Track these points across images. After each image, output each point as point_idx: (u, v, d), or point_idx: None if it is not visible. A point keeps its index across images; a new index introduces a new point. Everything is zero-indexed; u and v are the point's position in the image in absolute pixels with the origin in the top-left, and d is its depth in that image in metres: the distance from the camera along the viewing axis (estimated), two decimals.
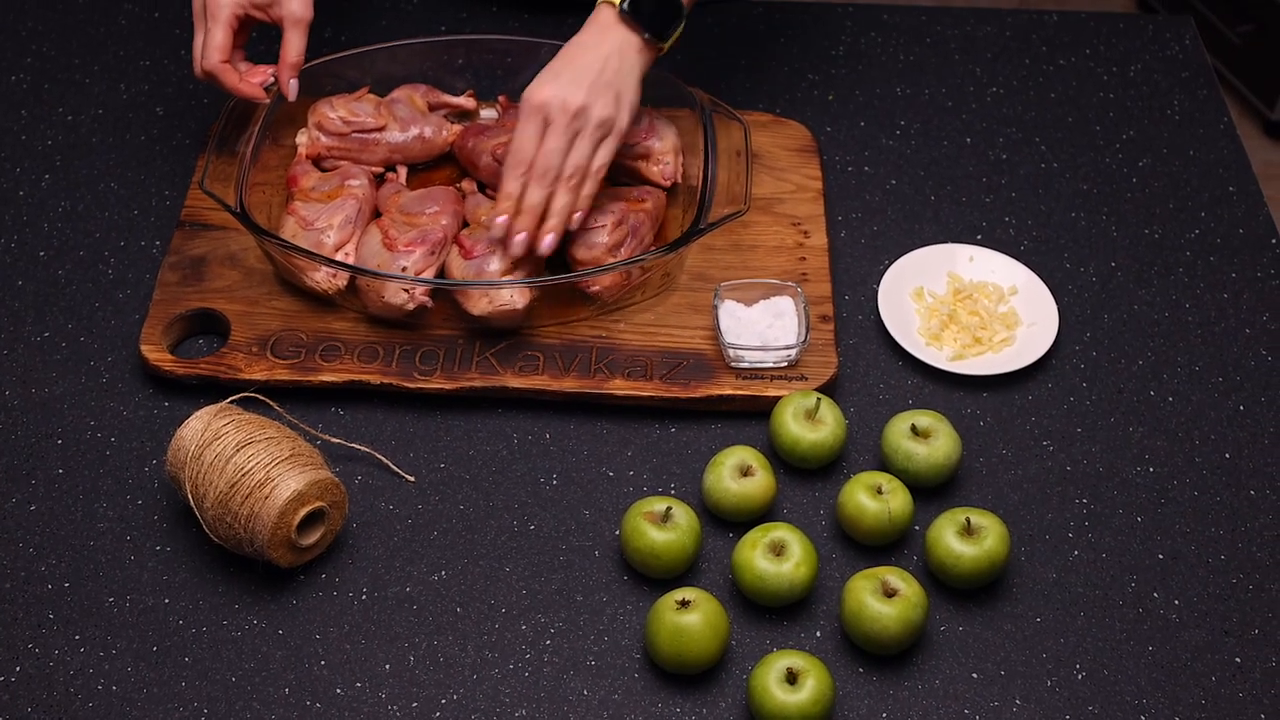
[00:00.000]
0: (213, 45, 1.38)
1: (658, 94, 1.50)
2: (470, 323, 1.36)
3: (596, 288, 1.36)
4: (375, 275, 1.33)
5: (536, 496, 1.29)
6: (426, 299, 1.34)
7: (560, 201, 1.33)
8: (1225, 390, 1.39)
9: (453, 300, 1.35)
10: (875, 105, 1.66)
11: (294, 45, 1.40)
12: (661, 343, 1.37)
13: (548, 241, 1.33)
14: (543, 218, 1.33)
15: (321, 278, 1.35)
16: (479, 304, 1.33)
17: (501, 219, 1.33)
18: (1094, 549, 1.27)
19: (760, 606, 1.22)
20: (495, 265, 1.34)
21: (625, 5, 1.34)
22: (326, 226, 1.38)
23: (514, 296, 1.33)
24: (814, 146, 1.56)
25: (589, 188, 1.34)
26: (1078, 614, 1.23)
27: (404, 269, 1.35)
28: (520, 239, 1.33)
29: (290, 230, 1.39)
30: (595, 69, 1.32)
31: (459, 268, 1.36)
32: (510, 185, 1.33)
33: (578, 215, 1.35)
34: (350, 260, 1.38)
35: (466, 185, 1.49)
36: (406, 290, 1.33)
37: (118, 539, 1.25)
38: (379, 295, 1.34)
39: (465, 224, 1.42)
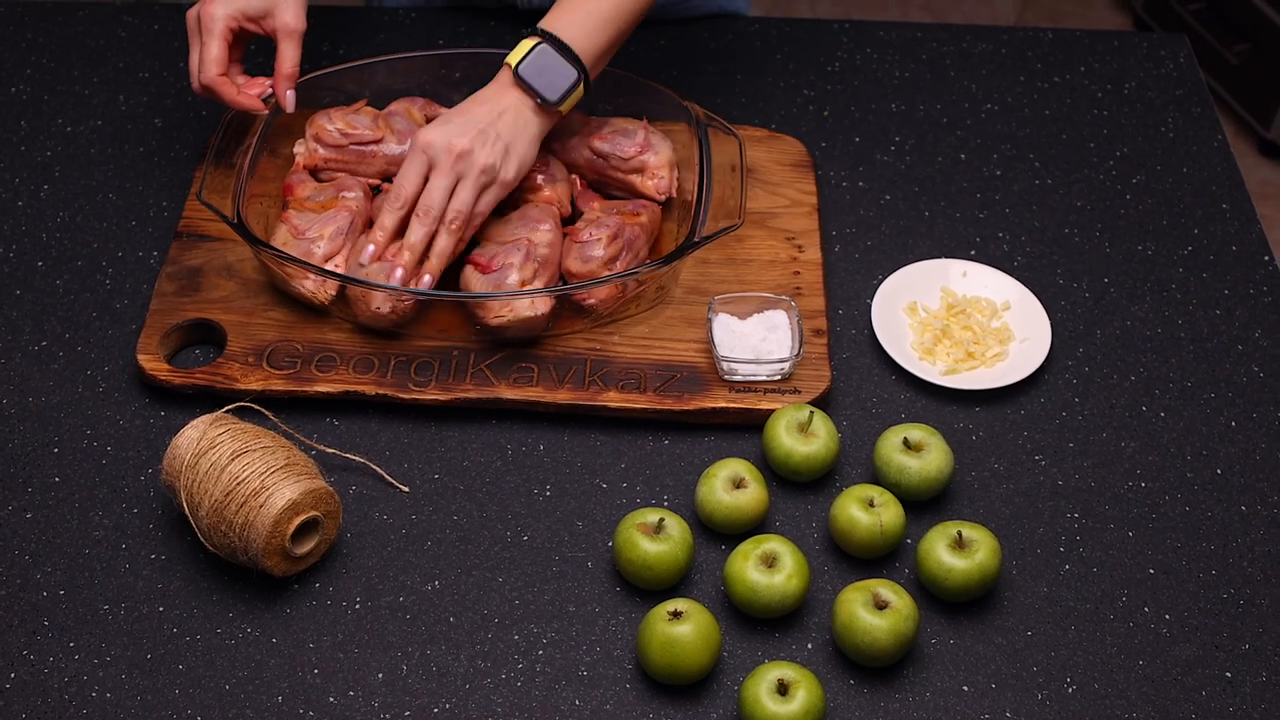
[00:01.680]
0: (209, 59, 1.39)
1: (654, 109, 1.51)
2: (488, 334, 1.36)
3: (592, 301, 1.37)
4: (361, 284, 1.34)
5: (530, 507, 1.29)
6: (411, 309, 1.35)
7: (441, 243, 1.36)
8: (1217, 406, 1.39)
9: (468, 313, 1.36)
10: (870, 121, 1.66)
11: (288, 56, 1.41)
12: (655, 355, 1.38)
13: (426, 281, 1.36)
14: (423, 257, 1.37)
15: (312, 286, 1.36)
16: (499, 314, 1.34)
17: (370, 249, 1.36)
18: (1085, 563, 1.27)
19: (752, 618, 1.23)
20: (514, 278, 1.35)
21: (517, 68, 1.37)
22: (317, 237, 1.39)
23: (535, 304, 1.34)
24: (809, 162, 1.57)
25: (468, 233, 1.38)
26: (1069, 628, 1.23)
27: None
28: (399, 275, 1.35)
29: (282, 238, 1.39)
30: (486, 120, 1.36)
31: (477, 282, 1.37)
32: (386, 219, 1.36)
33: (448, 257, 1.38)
34: (341, 270, 1.38)
35: None
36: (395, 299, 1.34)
37: (113, 547, 1.25)
38: (368, 304, 1.35)
39: (474, 241, 1.43)
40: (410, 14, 1.75)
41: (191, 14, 1.41)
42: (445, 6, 1.75)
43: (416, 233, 1.35)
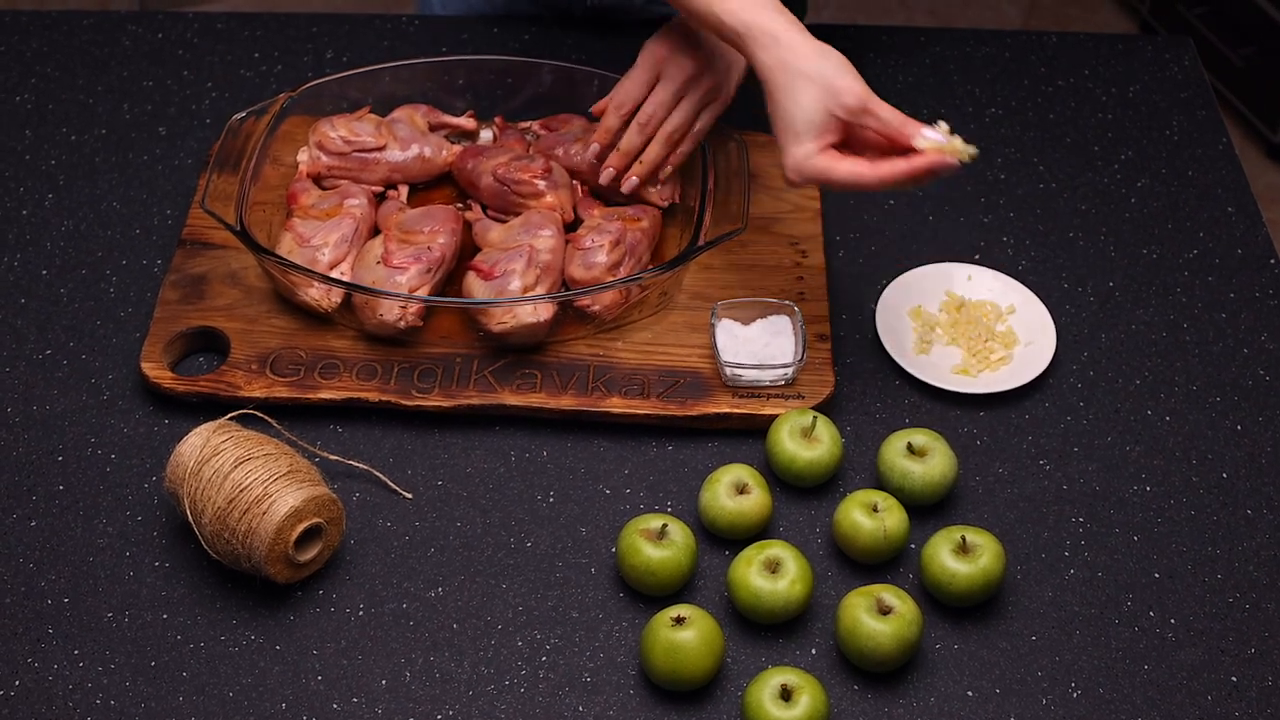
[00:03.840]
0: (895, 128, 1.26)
1: None
2: (491, 341, 1.36)
3: (596, 307, 1.37)
4: (367, 291, 1.34)
5: (533, 514, 1.29)
6: (419, 320, 1.35)
7: (654, 152, 1.40)
8: (1222, 410, 1.39)
9: (471, 320, 1.36)
10: None
11: (885, 118, 1.26)
12: (659, 361, 1.38)
13: (630, 183, 1.41)
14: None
15: (317, 294, 1.36)
16: (502, 320, 1.34)
17: (595, 146, 1.41)
18: (1090, 568, 1.27)
19: (755, 624, 1.22)
20: (515, 284, 1.35)
21: None
22: (322, 244, 1.39)
23: (537, 310, 1.34)
24: None
25: (685, 147, 1.41)
26: (1073, 632, 1.23)
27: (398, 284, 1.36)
28: (608, 173, 1.41)
29: (286, 246, 1.40)
30: (713, 41, 1.37)
31: (480, 288, 1.37)
32: (611, 120, 1.40)
33: (667, 169, 1.42)
34: (346, 278, 1.39)
35: (473, 214, 1.49)
36: (401, 307, 1.34)
37: (117, 555, 1.26)
38: (374, 312, 1.35)
39: (476, 248, 1.43)
40: (414, 21, 1.75)
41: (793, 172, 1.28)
42: (495, 14, 1.75)
43: (633, 139, 1.39)
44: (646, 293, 1.39)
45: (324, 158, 1.49)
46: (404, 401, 1.34)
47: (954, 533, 1.22)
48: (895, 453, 1.29)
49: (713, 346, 1.36)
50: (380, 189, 1.51)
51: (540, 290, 1.37)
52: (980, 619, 1.23)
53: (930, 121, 1.27)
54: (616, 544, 1.25)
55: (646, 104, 1.39)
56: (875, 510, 1.24)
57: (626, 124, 1.42)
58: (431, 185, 1.54)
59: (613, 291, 1.36)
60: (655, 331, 1.40)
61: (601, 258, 1.38)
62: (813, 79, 1.24)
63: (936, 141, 1.24)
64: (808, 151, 1.25)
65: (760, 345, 1.37)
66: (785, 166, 1.27)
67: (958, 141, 1.25)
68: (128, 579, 1.24)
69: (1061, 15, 3.38)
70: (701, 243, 1.38)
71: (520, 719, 1.16)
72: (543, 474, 1.32)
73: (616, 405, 1.34)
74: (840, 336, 1.44)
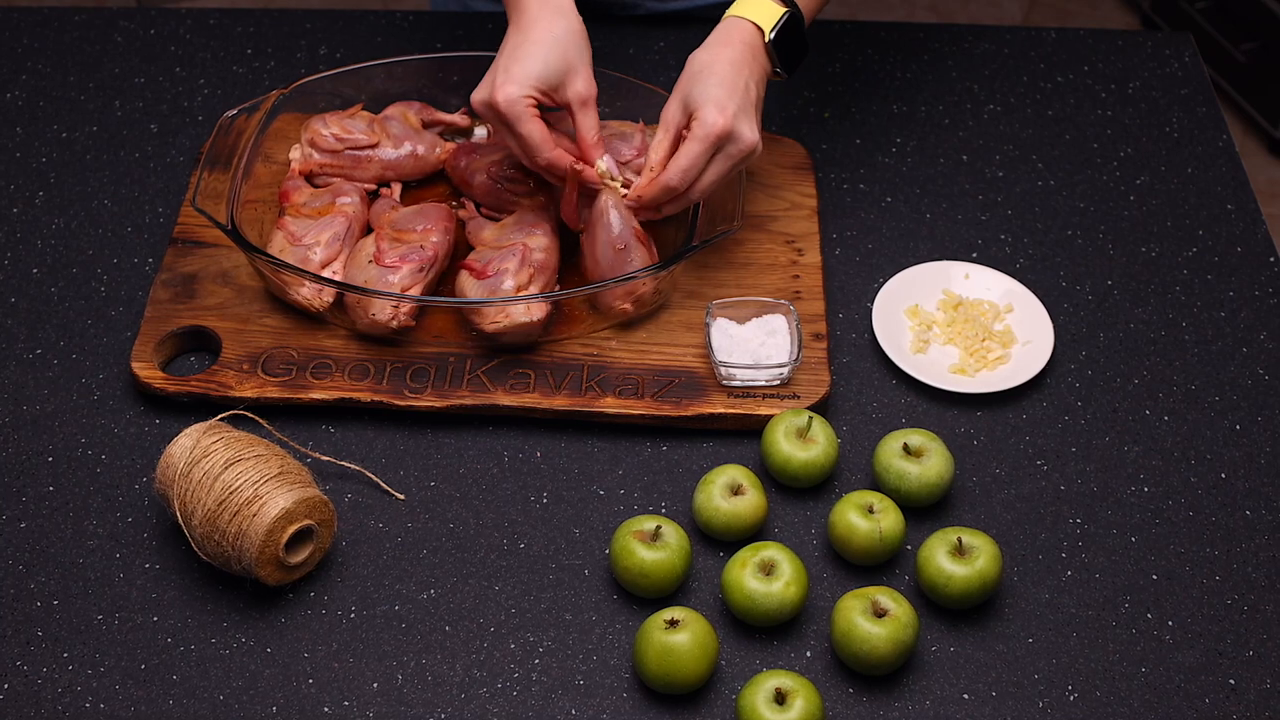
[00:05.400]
0: (537, 143, 1.35)
1: (651, 112, 1.49)
2: (484, 340, 1.35)
3: (624, 306, 1.37)
4: (359, 290, 1.33)
5: (527, 515, 1.28)
6: (411, 320, 1.34)
7: (673, 207, 1.38)
8: (1221, 409, 1.38)
9: (464, 319, 1.35)
10: (871, 123, 1.65)
11: (589, 126, 1.37)
12: (653, 361, 1.37)
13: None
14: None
15: (309, 293, 1.35)
16: (495, 320, 1.33)
17: (629, 195, 1.39)
18: (1087, 569, 1.26)
19: (750, 626, 1.21)
20: (509, 284, 1.34)
21: (773, 36, 1.36)
22: (314, 243, 1.38)
23: (530, 309, 1.33)
24: (809, 164, 1.56)
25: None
26: (1070, 635, 1.22)
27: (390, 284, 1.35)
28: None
29: (278, 245, 1.39)
30: (754, 97, 1.35)
31: (472, 288, 1.36)
32: (657, 192, 1.36)
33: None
34: (338, 277, 1.38)
35: (466, 212, 1.48)
36: (393, 307, 1.33)
37: (107, 556, 1.25)
38: (366, 312, 1.34)
39: (470, 246, 1.42)
40: (408, 17, 1.74)
41: (483, 102, 1.35)
42: (490, 11, 1.73)
43: (672, 208, 1.38)
44: (643, 291, 1.37)
45: (316, 155, 1.48)
46: (396, 402, 1.33)
47: (950, 534, 1.21)
48: (891, 453, 1.28)
49: (708, 346, 1.35)
50: (373, 187, 1.50)
51: (534, 289, 1.36)
52: (976, 621, 1.22)
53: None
54: (610, 546, 1.24)
55: (700, 182, 1.34)
56: (871, 511, 1.23)
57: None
58: (425, 183, 1.53)
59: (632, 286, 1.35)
60: (650, 331, 1.39)
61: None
62: (568, 47, 1.34)
63: (604, 169, 1.38)
64: (523, 94, 1.33)
65: (755, 344, 1.36)
66: (486, 90, 1.35)
67: (617, 183, 1.39)
68: (118, 581, 1.23)
69: (1062, 10, 3.37)
70: (696, 241, 1.37)
71: None
72: (536, 475, 1.31)
73: (610, 405, 1.33)
74: (836, 335, 1.43)
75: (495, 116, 1.35)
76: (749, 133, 1.34)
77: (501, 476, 1.31)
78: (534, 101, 1.35)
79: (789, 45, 1.38)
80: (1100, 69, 1.74)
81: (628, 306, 1.37)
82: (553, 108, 1.39)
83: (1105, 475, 1.33)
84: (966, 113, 1.67)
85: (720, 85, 1.33)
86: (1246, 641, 1.21)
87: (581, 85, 1.36)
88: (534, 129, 1.35)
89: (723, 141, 1.33)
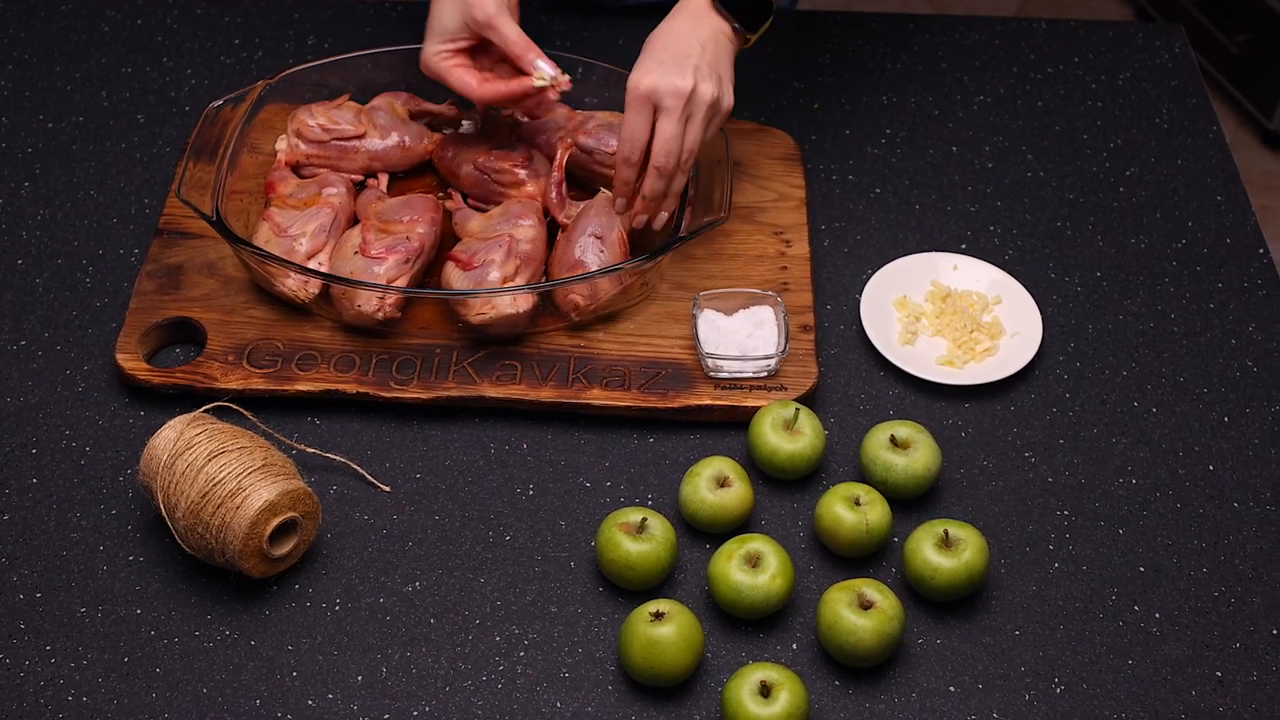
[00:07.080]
0: (465, 89, 1.41)
1: None
2: (470, 332, 1.35)
3: (577, 299, 1.35)
4: (344, 282, 1.32)
5: (513, 507, 1.28)
6: (397, 311, 1.33)
7: (677, 184, 1.36)
8: (1210, 401, 1.38)
9: (450, 310, 1.34)
10: (861, 114, 1.65)
11: (505, 38, 1.38)
12: (640, 352, 1.36)
13: (662, 219, 1.38)
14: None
15: (294, 285, 1.35)
16: (481, 311, 1.32)
17: (620, 201, 1.38)
18: (1074, 561, 1.26)
19: (736, 618, 1.21)
20: (495, 275, 1.34)
21: None
22: (300, 234, 1.37)
23: (516, 301, 1.32)
24: (798, 155, 1.55)
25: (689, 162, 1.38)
26: (1057, 627, 1.21)
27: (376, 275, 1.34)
28: (640, 219, 1.38)
29: (264, 236, 1.38)
30: (695, 53, 1.33)
31: (459, 279, 1.35)
32: (626, 173, 1.35)
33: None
34: (324, 268, 1.37)
35: (453, 203, 1.47)
36: (379, 298, 1.32)
37: (90, 549, 1.24)
38: (351, 303, 1.33)
39: (456, 237, 1.42)
40: (396, 7, 1.73)
41: (422, 64, 1.42)
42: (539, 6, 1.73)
43: (657, 185, 1.35)
44: (630, 282, 1.37)
45: (303, 146, 1.47)
46: (382, 393, 1.32)
47: (937, 526, 1.21)
48: (878, 445, 1.27)
49: (695, 338, 1.35)
50: (359, 178, 1.49)
51: (520, 281, 1.35)
52: (963, 613, 1.22)
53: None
54: (596, 538, 1.23)
55: (656, 145, 1.33)
56: (858, 504, 1.23)
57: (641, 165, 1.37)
58: (412, 174, 1.52)
59: (589, 286, 1.34)
60: (637, 322, 1.39)
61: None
62: None
63: (544, 71, 1.38)
64: (435, 50, 1.40)
65: (743, 336, 1.35)
66: (421, 58, 1.42)
67: (563, 77, 1.39)
68: (101, 573, 1.23)
69: (1057, 1, 3.36)
70: (684, 232, 1.36)
71: (498, 714, 1.15)
72: (522, 467, 1.31)
73: (597, 397, 1.32)
74: (824, 327, 1.42)
75: (433, 80, 1.42)
76: (708, 88, 1.33)
77: (487, 468, 1.31)
78: (449, 54, 1.40)
79: (747, 3, 1.37)
80: (1091, 60, 1.73)
81: (580, 300, 1.36)
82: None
83: (1093, 467, 1.32)
84: (956, 104, 1.67)
85: (649, 54, 1.34)
86: (1233, 634, 1.21)
87: (478, 12, 1.37)
88: (456, 77, 1.40)
89: (655, 98, 1.32)
